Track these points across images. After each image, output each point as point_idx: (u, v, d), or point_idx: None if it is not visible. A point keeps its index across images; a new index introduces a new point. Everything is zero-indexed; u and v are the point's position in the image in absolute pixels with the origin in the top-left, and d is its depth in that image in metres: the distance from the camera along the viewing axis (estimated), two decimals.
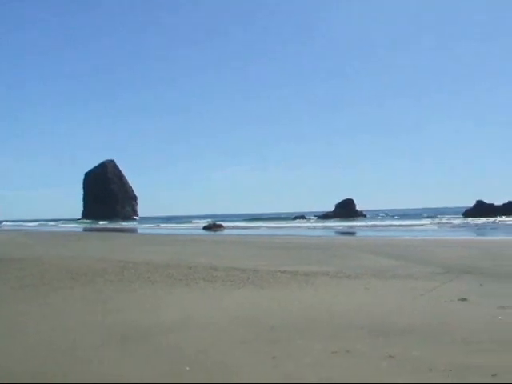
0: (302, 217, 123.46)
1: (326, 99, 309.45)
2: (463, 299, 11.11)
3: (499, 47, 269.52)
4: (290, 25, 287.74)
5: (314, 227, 74.61)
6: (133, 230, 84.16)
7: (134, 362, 7.05)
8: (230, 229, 72.20)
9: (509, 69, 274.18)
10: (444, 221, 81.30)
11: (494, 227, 58.55)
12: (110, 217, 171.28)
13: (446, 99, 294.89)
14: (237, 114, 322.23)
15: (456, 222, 76.89)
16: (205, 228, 73.55)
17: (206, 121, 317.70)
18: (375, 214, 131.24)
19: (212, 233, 63.14)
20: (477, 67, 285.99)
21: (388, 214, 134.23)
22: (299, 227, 76.83)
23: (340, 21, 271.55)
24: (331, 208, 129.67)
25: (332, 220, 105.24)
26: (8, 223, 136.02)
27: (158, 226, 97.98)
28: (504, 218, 75.32)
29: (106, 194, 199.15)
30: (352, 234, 56.36)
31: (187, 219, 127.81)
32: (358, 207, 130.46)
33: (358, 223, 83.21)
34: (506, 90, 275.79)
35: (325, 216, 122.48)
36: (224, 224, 78.15)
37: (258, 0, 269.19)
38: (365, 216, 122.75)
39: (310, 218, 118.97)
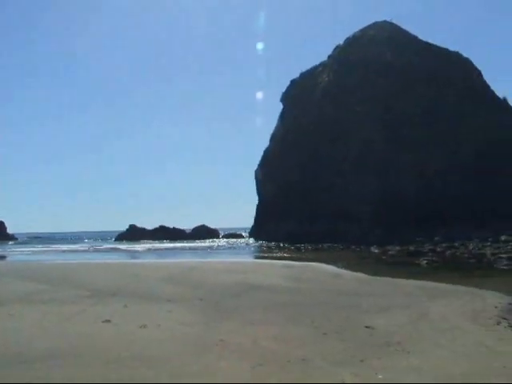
0: None
1: None
2: (107, 321, 11.56)
3: None
4: None
5: None
6: None
7: None
8: None
9: None
10: (97, 244, 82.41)
11: (144, 251, 61.22)
12: None
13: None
14: None
15: (107, 245, 78.43)
16: None
17: None
18: (29, 238, 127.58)
19: None
20: None
21: (42, 237, 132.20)
22: None
23: None
24: None
25: None
26: None
27: None
28: (154, 243, 79.44)
29: None
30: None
31: None
32: (10, 230, 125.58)
33: (7, 247, 78.74)
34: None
35: None
36: None
37: None
38: (16, 239, 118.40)
39: None
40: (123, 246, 75.25)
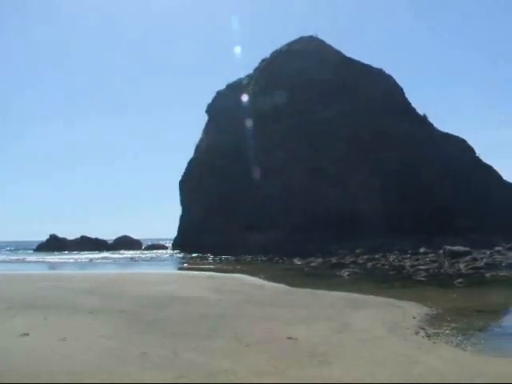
0: None
1: None
2: (26, 334, 11.15)
3: None
4: None
5: None
6: None
7: None
8: None
9: None
10: (14, 255, 79.46)
11: (64, 261, 59.52)
12: None
13: None
14: None
15: (26, 256, 75.60)
16: None
17: None
18: None
19: None
20: None
21: None
22: None
23: None
24: None
25: None
26: None
27: None
28: (76, 254, 77.28)
29: None
30: None
31: None
32: None
33: None
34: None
35: None
36: None
37: None
38: None
39: None
40: (43, 256, 72.72)
